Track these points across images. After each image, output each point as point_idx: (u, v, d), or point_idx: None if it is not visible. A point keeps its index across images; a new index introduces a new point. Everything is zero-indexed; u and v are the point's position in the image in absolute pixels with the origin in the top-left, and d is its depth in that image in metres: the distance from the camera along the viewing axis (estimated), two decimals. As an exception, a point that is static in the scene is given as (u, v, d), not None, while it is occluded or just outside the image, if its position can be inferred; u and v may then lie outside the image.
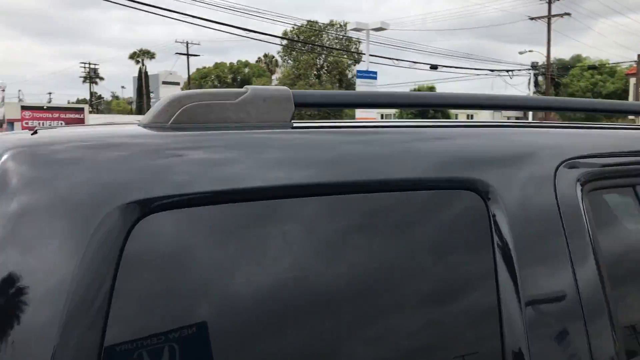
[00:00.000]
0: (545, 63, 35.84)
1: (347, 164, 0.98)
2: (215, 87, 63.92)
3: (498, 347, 0.98)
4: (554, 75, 40.30)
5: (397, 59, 31.00)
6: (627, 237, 1.19)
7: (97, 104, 76.13)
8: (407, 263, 1.00)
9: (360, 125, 1.15)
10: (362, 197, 0.98)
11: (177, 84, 76.13)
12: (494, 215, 1.03)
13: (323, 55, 44.53)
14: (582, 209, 1.10)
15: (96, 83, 78.55)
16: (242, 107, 1.01)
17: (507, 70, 37.42)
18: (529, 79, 35.83)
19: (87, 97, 73.14)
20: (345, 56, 43.90)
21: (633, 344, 1.08)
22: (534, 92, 39.60)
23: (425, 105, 1.21)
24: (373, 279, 0.97)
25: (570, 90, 41.71)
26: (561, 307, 1.02)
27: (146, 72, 75.89)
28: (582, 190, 1.12)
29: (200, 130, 0.95)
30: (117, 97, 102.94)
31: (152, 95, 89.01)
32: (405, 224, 1.01)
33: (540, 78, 39.57)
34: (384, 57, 30.50)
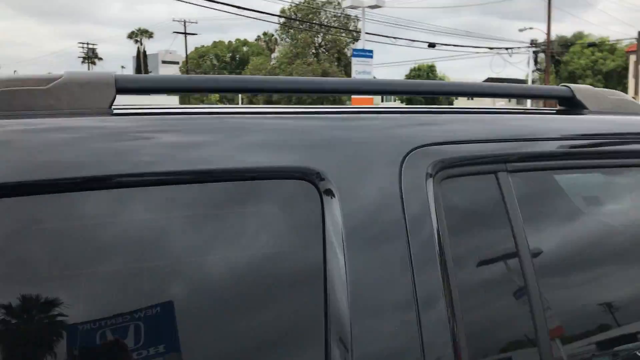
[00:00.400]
0: (546, 41, 35.49)
1: (165, 153, 0.92)
2: (213, 66, 63.62)
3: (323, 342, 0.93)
4: (554, 53, 39.97)
5: (394, 37, 30.74)
6: (479, 226, 1.13)
7: (96, 84, 75.63)
8: (234, 255, 0.95)
9: (193, 111, 1.08)
10: (185, 188, 0.93)
11: (177, 63, 75.81)
12: (327, 207, 0.98)
13: (321, 34, 44.13)
14: (430, 198, 1.04)
15: (94, 63, 78.24)
16: (52, 94, 0.94)
17: (507, 48, 37.12)
18: (529, 57, 35.49)
19: (86, 77, 72.66)
20: (343, 34, 43.52)
21: (474, 340, 1.03)
22: (534, 70, 39.35)
23: (278, 91, 1.14)
24: (197, 275, 0.92)
25: (570, 68, 41.42)
26: (393, 300, 0.97)
27: (145, 52, 75.45)
28: (432, 179, 1.06)
29: None
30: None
31: (151, 74, 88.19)
32: (232, 215, 0.96)
33: (541, 55, 39.25)
34: (380, 35, 30.22)
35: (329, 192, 0.98)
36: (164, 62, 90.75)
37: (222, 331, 0.91)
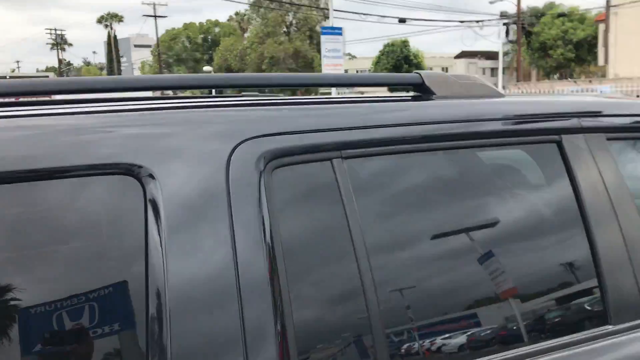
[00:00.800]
0: (517, 12, 35.58)
1: None
2: (185, 48, 62.83)
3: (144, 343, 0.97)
4: (524, 24, 40.07)
5: (364, 14, 30.55)
6: (312, 214, 1.18)
7: (67, 71, 74.62)
8: (60, 249, 0.99)
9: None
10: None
11: (149, 46, 74.68)
12: (150, 201, 1.01)
13: (292, 12, 43.71)
14: (260, 189, 1.09)
15: (64, 49, 76.64)
16: None
17: (477, 21, 37.18)
18: (499, 29, 35.56)
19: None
20: (314, 12, 43.15)
21: (302, 331, 1.07)
22: (504, 43, 39.46)
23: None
24: (20, 275, 0.96)
25: (541, 39, 41.55)
26: (216, 294, 1.01)
27: (115, 36, 74.18)
28: (263, 170, 1.10)
29: None
30: (88, 63, 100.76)
31: (123, 59, 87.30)
32: (52, 214, 1.00)
33: (512, 27, 39.31)
34: (350, 12, 30.01)
35: (153, 186, 1.01)
36: (136, 45, 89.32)
37: (43, 329, 0.95)
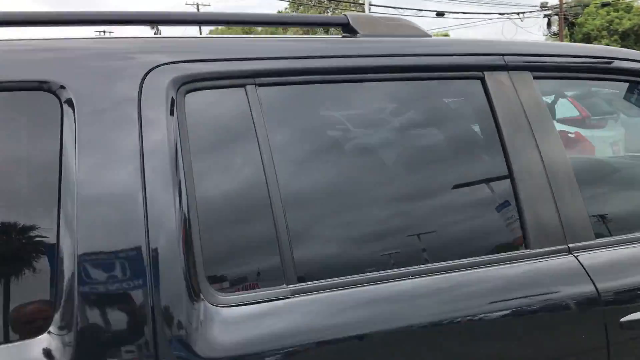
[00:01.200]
0: (559, 3, 34.76)
1: None
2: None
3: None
4: (567, 15, 39.11)
5: (401, 8, 30.40)
6: (222, 139, 1.30)
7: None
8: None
9: None
10: None
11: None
12: (66, 117, 1.15)
13: (330, 9, 43.81)
14: (170, 112, 1.22)
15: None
16: None
17: (518, 13, 36.48)
18: (541, 21, 34.78)
19: None
20: (353, 8, 43.10)
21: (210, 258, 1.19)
22: (546, 35, 38.59)
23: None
24: None
25: (585, 30, 40.46)
26: (122, 219, 1.13)
27: (159, 37, 75.65)
28: (175, 93, 1.23)
29: None
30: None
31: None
32: None
33: (554, 18, 38.42)
34: (387, 7, 29.97)
35: (69, 103, 1.16)
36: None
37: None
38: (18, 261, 1.11)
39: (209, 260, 1.20)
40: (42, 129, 1.16)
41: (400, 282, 1.34)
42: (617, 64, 1.70)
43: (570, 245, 1.52)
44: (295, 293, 1.24)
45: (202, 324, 1.16)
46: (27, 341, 1.06)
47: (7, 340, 1.06)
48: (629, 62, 1.71)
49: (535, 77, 1.61)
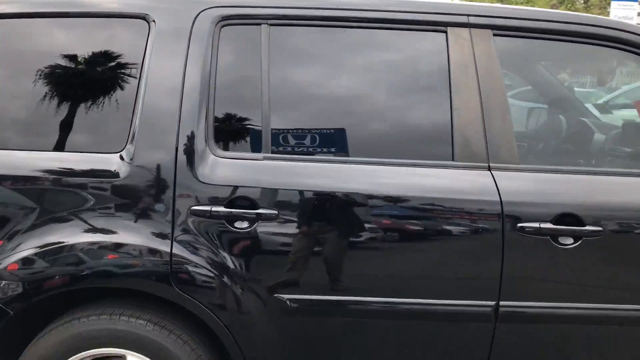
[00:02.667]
0: None
1: None
2: None
3: None
4: None
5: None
6: (236, 57, 2.03)
7: None
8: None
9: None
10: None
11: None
12: (150, 36, 2.02)
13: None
14: (210, 38, 2.01)
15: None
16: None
17: None
18: None
19: None
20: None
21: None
22: None
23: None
24: None
25: None
26: (168, 91, 1.98)
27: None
28: (215, 27, 2.02)
29: None
30: None
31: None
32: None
33: None
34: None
35: (153, 26, 2.02)
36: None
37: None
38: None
39: (217, 133, 2.00)
40: (137, 40, 2.04)
41: (346, 165, 2.00)
42: (574, 27, 2.07)
43: (491, 164, 1.99)
44: (266, 158, 1.98)
45: (209, 165, 1.97)
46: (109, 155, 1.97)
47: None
48: (584, 26, 2.06)
49: (495, 35, 2.07)
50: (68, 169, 1.98)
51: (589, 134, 2.59)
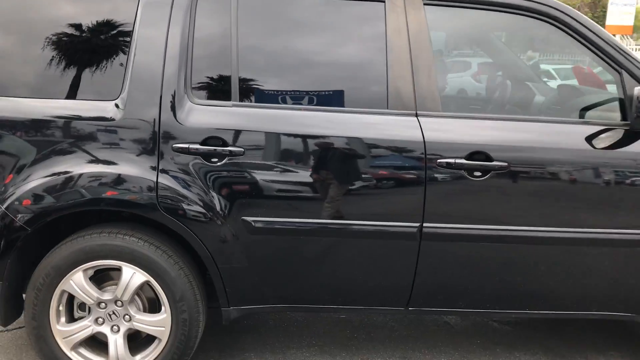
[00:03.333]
0: None
1: None
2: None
3: None
4: None
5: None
6: (213, 15, 2.49)
7: None
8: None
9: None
10: None
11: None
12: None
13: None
14: (188, 9, 2.45)
15: None
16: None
17: None
18: None
19: None
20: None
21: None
22: None
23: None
24: None
25: None
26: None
27: None
28: (193, -3, 2.46)
29: None
30: None
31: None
32: None
33: None
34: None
35: None
36: None
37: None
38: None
39: (194, 84, 2.45)
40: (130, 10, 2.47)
41: (301, 112, 2.46)
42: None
43: (418, 112, 2.44)
44: (234, 106, 2.44)
45: (187, 111, 2.42)
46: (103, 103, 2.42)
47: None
48: None
49: (425, 4, 2.50)
50: (75, 114, 2.43)
51: (514, 90, 3.04)
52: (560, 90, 3.37)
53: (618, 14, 23.15)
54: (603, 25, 26.48)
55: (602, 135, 2.51)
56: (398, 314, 3.43)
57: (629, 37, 28.86)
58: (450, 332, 3.35)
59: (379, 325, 3.39)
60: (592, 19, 2.56)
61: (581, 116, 2.68)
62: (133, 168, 2.41)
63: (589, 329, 3.38)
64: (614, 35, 26.30)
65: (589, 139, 2.50)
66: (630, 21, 23.13)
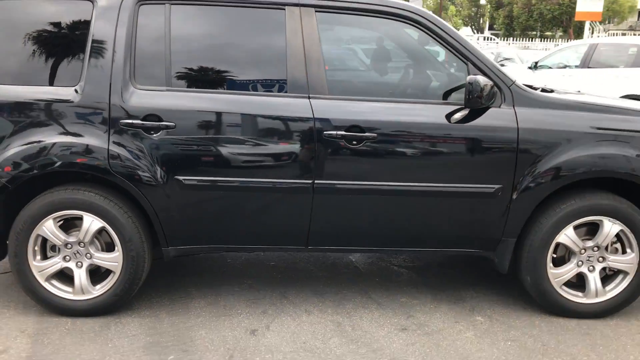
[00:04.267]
0: None
1: None
2: None
3: None
4: None
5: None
6: (150, 27, 3.19)
7: None
8: None
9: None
10: None
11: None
12: (94, 13, 3.17)
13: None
14: (132, 14, 3.16)
15: None
16: None
17: None
18: None
19: None
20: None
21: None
22: None
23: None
24: None
25: None
26: None
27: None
28: (135, 6, 3.17)
29: None
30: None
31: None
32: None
33: None
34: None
35: (96, 4, 3.18)
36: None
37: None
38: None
39: (137, 73, 3.17)
40: (87, 13, 3.18)
41: (222, 95, 3.19)
42: (368, 7, 3.25)
43: (310, 95, 3.18)
44: (167, 90, 3.17)
45: (131, 94, 3.15)
46: (67, 88, 3.15)
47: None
48: (376, 6, 3.27)
49: (318, 12, 3.23)
50: (45, 98, 3.16)
51: (390, 76, 3.80)
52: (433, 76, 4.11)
53: (588, 1, 23.94)
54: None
55: (457, 114, 3.25)
56: (314, 258, 4.21)
57: (597, 23, 29.65)
58: (356, 273, 4.13)
59: (301, 269, 4.16)
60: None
61: (444, 98, 3.41)
62: (90, 138, 3.14)
63: (464, 269, 4.17)
64: (584, 20, 26.98)
65: (448, 116, 3.25)
66: (599, 7, 23.95)
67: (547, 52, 11.83)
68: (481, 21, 61.27)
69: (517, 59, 13.86)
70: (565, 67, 10.49)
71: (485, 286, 3.92)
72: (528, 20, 43.93)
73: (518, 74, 11.52)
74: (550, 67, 10.70)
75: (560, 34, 45.01)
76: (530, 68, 11.04)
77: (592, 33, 28.71)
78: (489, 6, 49.92)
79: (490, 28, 55.31)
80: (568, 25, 40.99)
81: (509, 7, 45.09)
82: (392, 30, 3.46)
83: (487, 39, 43.81)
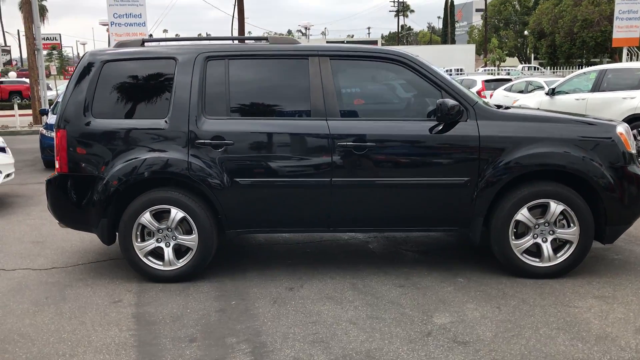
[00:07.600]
0: None
1: None
2: (515, 11, 63.26)
3: None
4: None
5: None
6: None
7: (406, 36, 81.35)
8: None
9: None
10: None
11: (481, 10, 76.47)
12: (176, 69, 4.58)
13: None
14: (203, 67, 4.56)
15: (407, 16, 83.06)
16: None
17: None
18: None
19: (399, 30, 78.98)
20: None
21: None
22: None
23: None
24: None
25: None
26: None
27: (452, 1, 78.09)
28: (204, 61, 4.56)
29: None
30: (432, 28, 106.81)
31: (459, 24, 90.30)
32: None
33: None
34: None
35: (178, 61, 4.58)
36: (477, 10, 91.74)
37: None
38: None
39: (207, 107, 4.56)
40: (171, 67, 4.59)
41: (264, 120, 4.53)
42: (366, 53, 4.55)
43: (327, 118, 4.48)
44: (229, 118, 4.53)
45: (203, 122, 4.54)
46: (159, 120, 4.55)
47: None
48: (371, 52, 4.57)
49: (331, 59, 4.55)
50: (143, 127, 4.57)
51: (387, 102, 5.07)
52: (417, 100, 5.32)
53: (624, 28, 24.64)
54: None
55: (435, 127, 4.47)
56: (337, 244, 5.45)
57: (635, 48, 30.04)
58: (372, 255, 5.35)
59: (328, 252, 5.42)
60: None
61: (428, 116, 4.63)
62: (175, 154, 4.50)
63: (459, 253, 5.31)
64: (621, 46, 27.41)
65: (429, 129, 4.47)
66: (635, 34, 24.60)
67: (564, 79, 12.84)
68: (527, 51, 61.80)
69: (546, 86, 14.91)
70: (577, 91, 11.45)
71: (473, 264, 5.06)
72: (571, 48, 44.50)
73: (534, 99, 12.63)
74: (567, 93, 11.68)
75: (608, 59, 45.24)
76: (547, 94, 12.06)
77: (631, 58, 29.21)
78: (531, 37, 50.55)
79: (535, 58, 55.92)
80: (614, 51, 41.30)
81: (551, 37, 45.77)
82: (385, 69, 4.75)
83: (534, 69, 44.61)
